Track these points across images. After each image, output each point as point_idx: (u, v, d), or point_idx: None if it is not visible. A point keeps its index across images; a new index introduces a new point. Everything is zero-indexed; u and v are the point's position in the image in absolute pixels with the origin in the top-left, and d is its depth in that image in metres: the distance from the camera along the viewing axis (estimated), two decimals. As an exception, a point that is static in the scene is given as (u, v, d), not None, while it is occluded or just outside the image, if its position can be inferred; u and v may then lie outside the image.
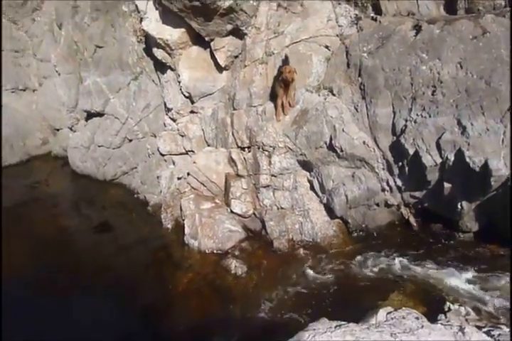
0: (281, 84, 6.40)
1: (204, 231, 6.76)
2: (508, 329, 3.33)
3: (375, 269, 5.75)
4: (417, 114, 5.83)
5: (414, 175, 5.94)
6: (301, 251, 6.31)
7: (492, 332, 3.12)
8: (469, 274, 5.33)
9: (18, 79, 10.96)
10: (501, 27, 5.60)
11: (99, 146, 9.45)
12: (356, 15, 6.75)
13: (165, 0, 6.54)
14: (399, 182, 6.20)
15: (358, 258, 5.97)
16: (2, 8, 10.41)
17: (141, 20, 7.74)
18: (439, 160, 5.59)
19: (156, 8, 7.32)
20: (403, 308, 3.33)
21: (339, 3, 6.85)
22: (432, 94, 5.77)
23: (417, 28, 6.05)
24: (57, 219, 8.52)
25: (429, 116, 5.73)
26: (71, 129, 10.54)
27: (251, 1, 6.66)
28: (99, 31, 9.22)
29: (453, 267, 5.48)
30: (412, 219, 6.30)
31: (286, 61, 6.76)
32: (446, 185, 5.65)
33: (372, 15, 6.68)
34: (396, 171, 6.17)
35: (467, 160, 5.30)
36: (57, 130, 10.99)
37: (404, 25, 6.19)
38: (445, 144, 5.53)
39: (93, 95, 9.47)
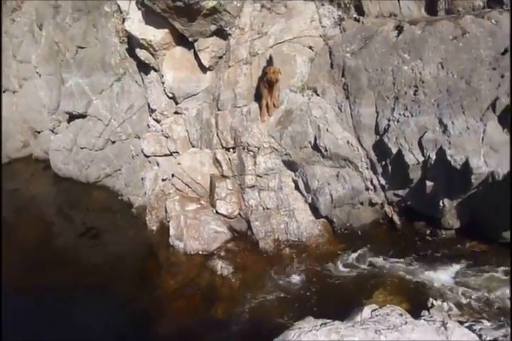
0: (266, 84, 6.41)
1: (189, 232, 6.72)
2: (489, 324, 3.39)
3: (360, 268, 5.79)
4: (400, 114, 5.90)
5: (398, 174, 6.01)
6: (287, 250, 6.33)
7: (474, 327, 3.18)
8: (452, 270, 5.41)
9: (-3, 81, 10.72)
10: (480, 28, 5.71)
11: (81, 148, 9.29)
12: (339, 16, 6.81)
13: (148, 0, 6.49)
14: (382, 181, 6.26)
15: (343, 257, 6.02)
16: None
17: (123, 20, 7.66)
18: (421, 159, 5.67)
19: (139, 9, 7.24)
20: (387, 305, 3.36)
21: (322, 4, 6.90)
22: (414, 94, 5.85)
23: (399, 29, 6.13)
24: (39, 223, 8.38)
25: (412, 116, 5.81)
26: (52, 131, 10.33)
27: (234, 2, 6.66)
28: (81, 32, 9.09)
29: (436, 264, 5.56)
30: (395, 218, 6.36)
31: (270, 62, 6.78)
32: (429, 183, 5.74)
33: (355, 16, 6.74)
34: (379, 170, 6.23)
35: (448, 158, 5.39)
36: (38, 132, 10.74)
37: (387, 26, 6.27)
38: (427, 143, 5.62)
39: (75, 97, 9.31)
